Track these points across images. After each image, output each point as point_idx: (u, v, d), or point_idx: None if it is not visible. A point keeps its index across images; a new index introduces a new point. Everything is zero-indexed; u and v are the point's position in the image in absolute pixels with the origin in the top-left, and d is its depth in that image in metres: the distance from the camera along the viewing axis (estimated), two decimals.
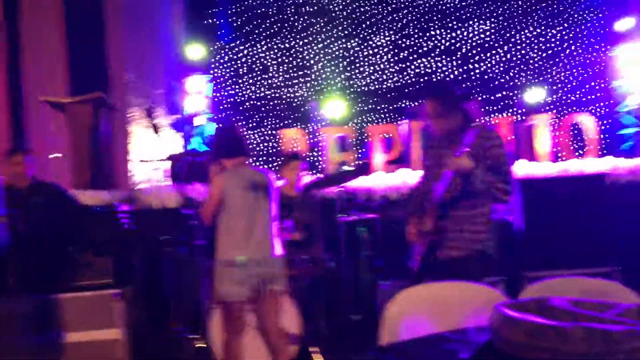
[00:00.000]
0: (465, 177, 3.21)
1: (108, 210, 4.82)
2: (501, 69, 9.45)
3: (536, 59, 9.38)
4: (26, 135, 7.53)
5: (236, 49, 9.41)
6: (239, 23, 9.47)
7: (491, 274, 4.16)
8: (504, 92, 9.38)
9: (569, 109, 8.81)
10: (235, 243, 3.46)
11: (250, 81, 9.40)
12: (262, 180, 3.59)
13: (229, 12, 9.48)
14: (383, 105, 9.43)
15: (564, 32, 9.33)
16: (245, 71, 9.39)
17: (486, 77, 9.48)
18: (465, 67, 9.53)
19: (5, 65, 7.42)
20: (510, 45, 9.45)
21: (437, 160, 3.42)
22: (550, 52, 9.34)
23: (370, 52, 9.54)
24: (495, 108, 9.20)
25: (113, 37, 8.06)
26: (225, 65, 9.34)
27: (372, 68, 9.54)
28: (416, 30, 9.58)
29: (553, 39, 9.36)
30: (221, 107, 9.26)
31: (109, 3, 8.06)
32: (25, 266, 4.24)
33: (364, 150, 8.26)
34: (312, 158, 7.57)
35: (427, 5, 9.58)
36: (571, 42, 9.27)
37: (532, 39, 9.43)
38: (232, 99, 9.34)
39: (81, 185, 6.03)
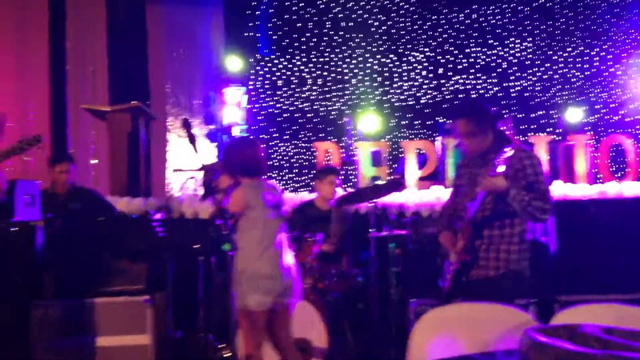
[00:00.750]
0: (499, 197, 3.17)
1: (143, 218, 4.90)
2: (540, 87, 9.34)
3: (576, 79, 9.25)
4: (67, 141, 7.73)
5: (274, 62, 9.51)
6: (277, 36, 9.57)
7: (524, 295, 4.09)
8: (542, 111, 9.25)
9: (609, 130, 8.65)
10: (252, 254, 3.52)
11: (287, 94, 9.48)
12: (276, 194, 3.69)
13: (268, 25, 9.59)
14: (418, 121, 9.40)
15: (604, 52, 9.19)
16: (281, 84, 9.48)
17: (525, 95, 9.38)
18: (503, 85, 9.45)
19: (49, 73, 7.64)
20: (550, 64, 9.34)
21: (469, 179, 3.38)
22: (590, 71, 9.21)
23: (407, 67, 9.54)
24: (533, 127, 9.09)
25: (153, 48, 8.24)
26: (262, 78, 9.44)
27: (408, 84, 9.52)
28: (453, 47, 9.55)
29: (594, 59, 9.22)
30: (257, 119, 9.36)
31: (150, 14, 8.26)
32: (60, 270, 4.33)
33: (397, 165, 8.24)
34: (345, 172, 7.58)
35: (466, 22, 9.55)
36: (611, 62, 9.12)
37: (572, 58, 9.31)
38: (268, 111, 9.43)
39: (118, 192, 6.14)
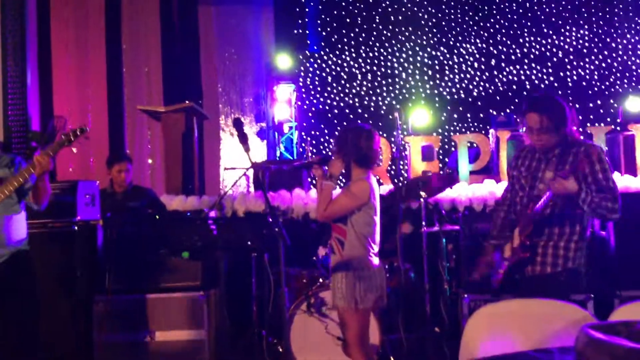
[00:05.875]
0: (565, 196, 3.08)
1: (197, 216, 5.00)
2: (597, 76, 9.05)
3: (636, 66, 8.91)
4: (125, 141, 7.97)
5: (323, 58, 9.53)
6: (326, 32, 9.59)
7: (580, 291, 3.98)
8: (600, 101, 8.96)
9: None
10: (367, 251, 3.40)
11: (336, 90, 9.49)
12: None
13: (317, 21, 9.62)
14: (470, 114, 9.25)
15: None
16: (331, 80, 9.49)
17: (582, 84, 9.10)
18: (559, 75, 9.19)
19: (106, 76, 7.88)
20: (608, 51, 9.03)
21: (527, 172, 3.30)
22: None
23: (458, 60, 9.39)
24: (591, 117, 8.82)
25: (205, 48, 8.40)
26: (312, 74, 9.48)
27: (459, 76, 9.38)
28: (506, 38, 9.34)
29: None
30: (308, 115, 9.40)
31: (202, 15, 8.41)
32: (120, 267, 4.47)
33: (448, 159, 8.13)
34: (396, 167, 7.54)
35: (519, 11, 9.32)
36: None
37: (632, 45, 8.96)
38: (318, 107, 9.46)
39: (173, 190, 6.28)
